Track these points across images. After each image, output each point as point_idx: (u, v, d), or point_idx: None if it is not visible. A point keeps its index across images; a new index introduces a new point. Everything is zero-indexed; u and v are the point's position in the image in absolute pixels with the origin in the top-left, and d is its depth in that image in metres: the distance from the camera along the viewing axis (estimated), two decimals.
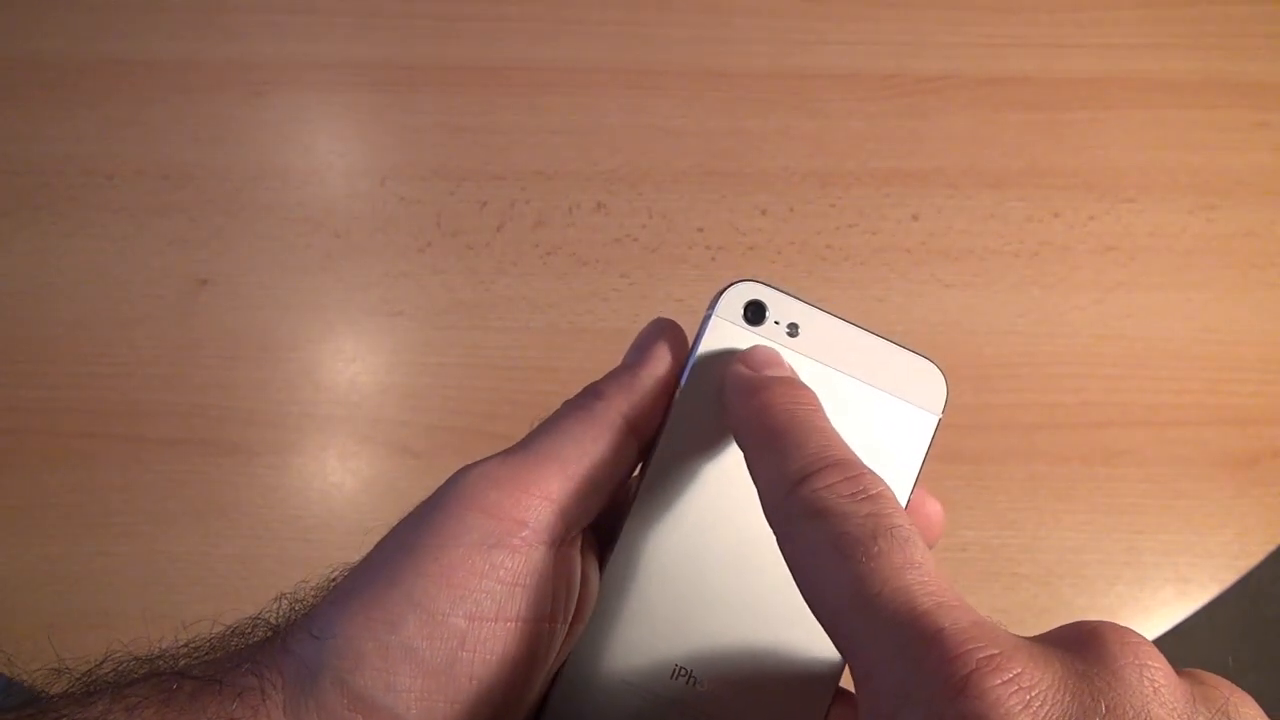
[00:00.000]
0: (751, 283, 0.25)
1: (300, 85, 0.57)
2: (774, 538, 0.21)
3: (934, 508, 0.26)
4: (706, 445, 0.25)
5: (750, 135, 0.57)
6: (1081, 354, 0.53)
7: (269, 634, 0.23)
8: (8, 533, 0.49)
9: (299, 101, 0.57)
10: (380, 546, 0.23)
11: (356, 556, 0.24)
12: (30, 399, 0.51)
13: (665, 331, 0.26)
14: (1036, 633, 0.18)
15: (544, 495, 0.23)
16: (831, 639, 0.19)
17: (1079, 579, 0.50)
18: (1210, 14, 0.60)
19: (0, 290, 0.53)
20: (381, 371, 0.52)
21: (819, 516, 0.19)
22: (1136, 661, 0.17)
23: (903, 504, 0.24)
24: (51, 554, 0.49)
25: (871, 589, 0.18)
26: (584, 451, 0.24)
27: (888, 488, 0.20)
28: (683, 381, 0.25)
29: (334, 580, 0.24)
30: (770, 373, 0.24)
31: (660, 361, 0.25)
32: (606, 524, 0.25)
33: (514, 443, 0.25)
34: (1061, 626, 0.18)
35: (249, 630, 0.24)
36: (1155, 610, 0.49)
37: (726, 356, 0.25)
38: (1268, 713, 0.17)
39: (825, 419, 0.22)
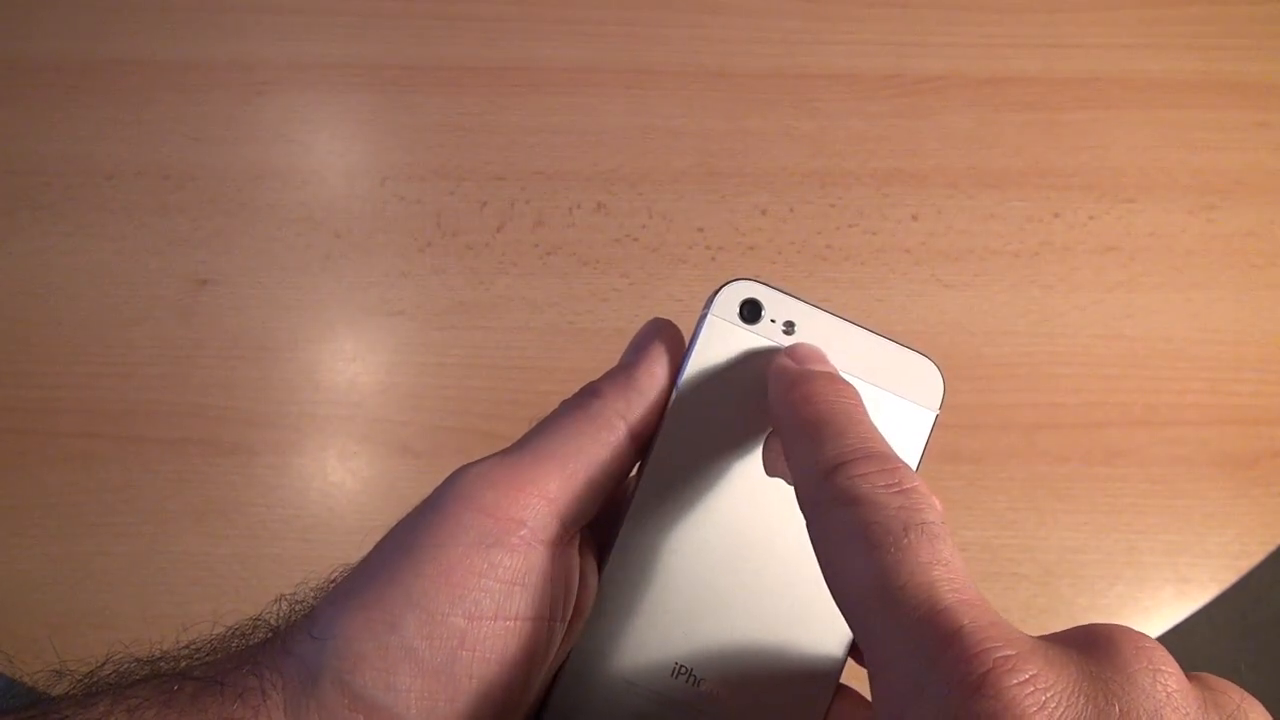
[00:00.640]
0: (747, 281, 0.25)
1: (300, 85, 0.57)
2: (774, 535, 0.21)
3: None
4: (704, 444, 0.25)
5: (750, 135, 0.57)
6: (1081, 354, 0.53)
7: (269, 635, 0.23)
8: (8, 533, 0.49)
9: (299, 101, 0.57)
10: (379, 548, 0.23)
11: (357, 556, 0.24)
12: (30, 399, 0.51)
13: (662, 331, 0.26)
14: (1036, 634, 0.18)
15: (541, 495, 0.23)
16: (850, 627, 0.19)
17: (1079, 579, 0.50)
18: (1210, 14, 0.60)
19: (0, 290, 0.53)
20: (381, 371, 0.52)
21: (851, 504, 0.20)
22: (1150, 666, 0.17)
23: None
24: (51, 554, 0.49)
25: (896, 581, 0.18)
26: (581, 451, 0.24)
27: (923, 483, 0.20)
28: (679, 381, 0.25)
29: (333, 581, 0.24)
30: (815, 367, 0.24)
31: (657, 361, 0.25)
32: (604, 523, 0.25)
33: (512, 442, 0.25)
34: (1074, 628, 0.18)
35: (249, 631, 0.24)
36: (1155, 610, 0.49)
37: (723, 355, 0.25)
38: (1272, 715, 0.17)
39: (866, 414, 0.23)
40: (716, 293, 0.26)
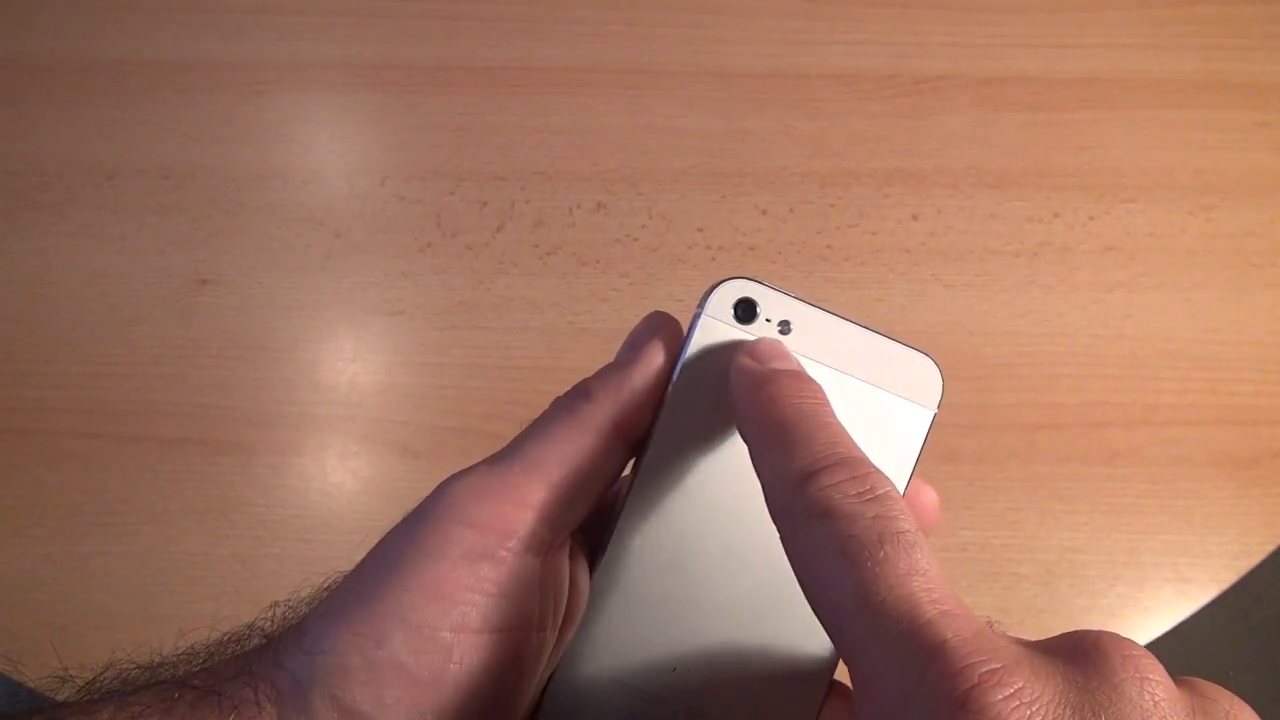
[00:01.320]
0: (742, 280, 0.25)
1: (300, 85, 0.57)
2: (766, 537, 0.21)
3: (930, 497, 0.26)
4: (697, 446, 0.25)
5: (750, 135, 0.57)
6: (1081, 354, 0.53)
7: (263, 642, 0.23)
8: (8, 533, 0.49)
9: (299, 101, 0.57)
10: (368, 559, 0.23)
11: (357, 557, 0.24)
12: (30, 399, 0.51)
13: (660, 328, 0.25)
14: (1035, 634, 0.18)
15: (529, 505, 0.23)
16: (833, 641, 0.19)
17: (1079, 579, 0.50)
18: (1210, 14, 0.60)
19: (0, 290, 0.53)
20: (381, 371, 0.52)
21: (824, 517, 0.19)
22: (1137, 675, 0.17)
23: None
24: (51, 554, 0.49)
25: (875, 595, 0.18)
26: (569, 458, 0.24)
27: (894, 487, 0.20)
28: (673, 382, 0.25)
29: (327, 589, 0.24)
30: (776, 365, 0.24)
31: (652, 361, 0.25)
32: (595, 525, 0.25)
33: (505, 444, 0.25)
34: (1062, 635, 0.18)
35: (244, 637, 0.24)
36: (1155, 611, 0.49)
37: (717, 356, 0.25)
38: (1268, 712, 0.17)
39: (832, 414, 0.22)
40: (710, 291, 0.25)
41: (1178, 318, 0.54)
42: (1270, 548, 0.50)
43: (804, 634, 0.24)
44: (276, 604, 0.24)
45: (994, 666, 0.16)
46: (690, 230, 0.55)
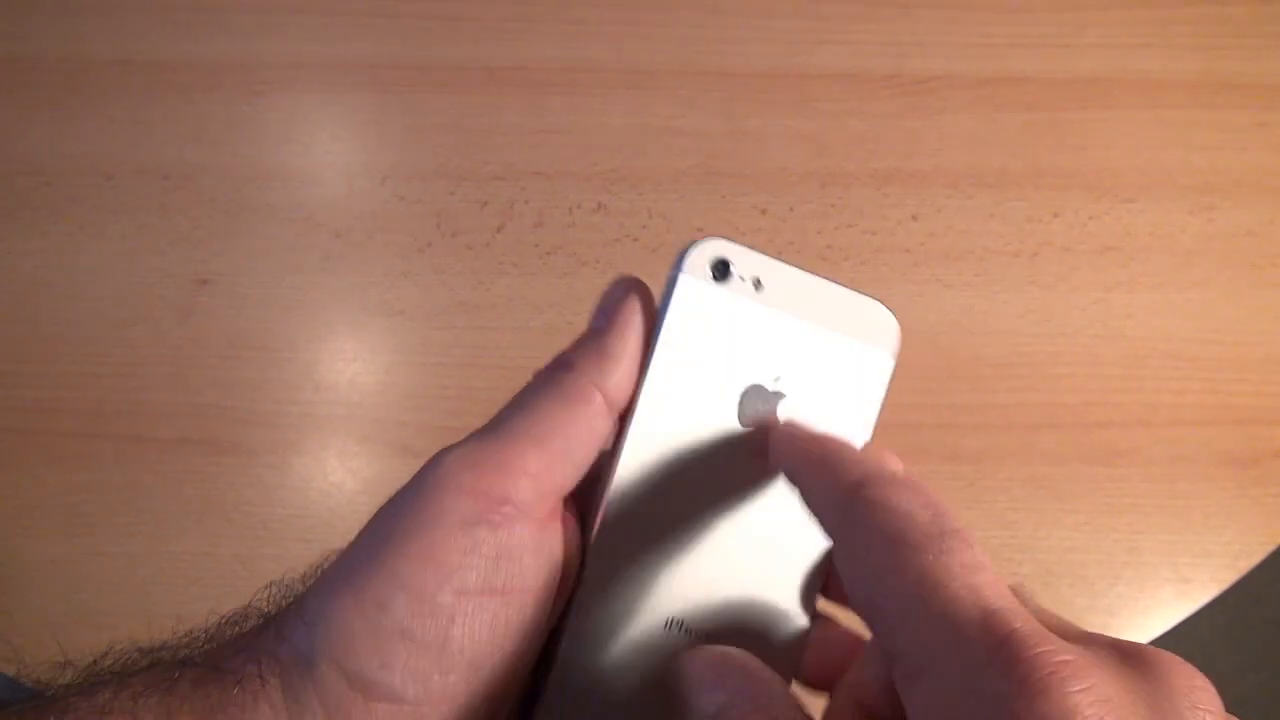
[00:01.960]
0: (717, 239, 0.26)
1: (300, 85, 0.57)
2: (753, 488, 0.24)
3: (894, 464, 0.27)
4: (683, 405, 0.26)
5: (750, 135, 0.57)
6: (1081, 354, 0.53)
7: (261, 621, 0.24)
8: (8, 533, 0.49)
9: (299, 101, 0.57)
10: (363, 534, 0.24)
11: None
12: (30, 399, 0.51)
13: (631, 291, 0.26)
14: None
15: (521, 472, 0.23)
16: (877, 630, 0.20)
17: (1079, 579, 0.50)
18: (1210, 14, 0.60)
19: (0, 290, 0.53)
20: (381, 371, 0.52)
21: (883, 513, 0.20)
22: (1195, 704, 0.17)
23: (864, 441, 0.26)
24: (51, 554, 0.49)
25: (941, 581, 0.18)
26: (558, 428, 0.24)
27: (944, 499, 0.21)
28: (655, 343, 0.25)
29: (321, 567, 0.24)
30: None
31: (630, 326, 0.25)
32: (585, 489, 0.26)
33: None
34: (1127, 642, 0.19)
35: (242, 619, 0.24)
36: (1155, 610, 0.49)
37: (697, 315, 0.26)
38: (1268, 712, 0.18)
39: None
40: (686, 252, 0.26)
41: (1178, 318, 0.54)
42: (1270, 548, 0.50)
43: (791, 576, 0.26)
44: (272, 584, 0.25)
45: (1068, 658, 0.16)
46: (690, 230, 0.55)
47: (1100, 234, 0.55)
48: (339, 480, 0.50)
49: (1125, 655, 0.18)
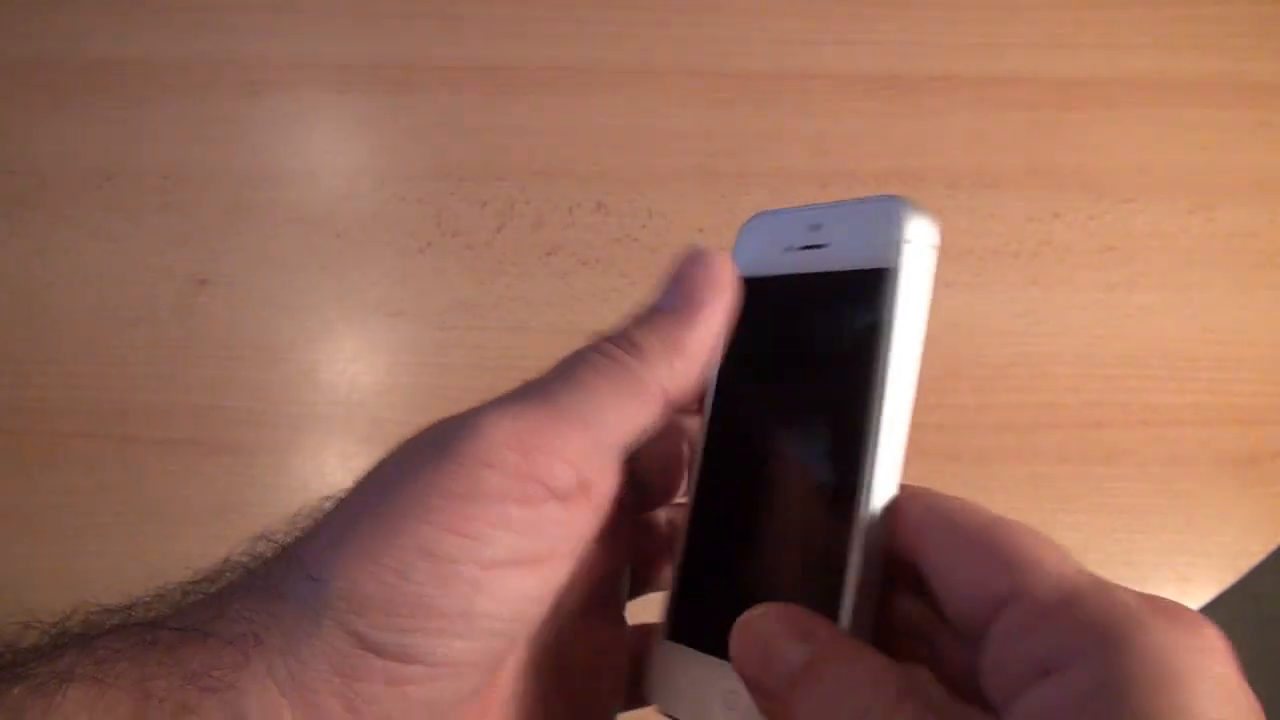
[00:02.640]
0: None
1: (300, 85, 0.57)
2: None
3: None
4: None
5: (750, 135, 0.57)
6: (1081, 354, 0.53)
7: (245, 576, 0.23)
8: (7, 533, 0.49)
9: (299, 101, 0.57)
10: (378, 483, 0.23)
11: None
12: (29, 399, 0.51)
13: (717, 276, 0.24)
14: None
15: (564, 459, 0.22)
16: (975, 626, 0.20)
17: None
18: (1210, 14, 0.60)
19: (0, 290, 0.53)
20: (381, 371, 0.52)
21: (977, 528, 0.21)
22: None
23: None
24: (51, 554, 0.49)
25: (1060, 570, 0.19)
26: (611, 421, 0.23)
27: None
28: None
29: (314, 517, 0.23)
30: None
31: (713, 319, 0.24)
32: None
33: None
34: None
35: (218, 574, 0.23)
36: None
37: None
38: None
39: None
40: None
41: (1178, 318, 0.54)
42: (1270, 547, 0.50)
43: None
44: (262, 536, 0.24)
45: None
46: (690, 230, 0.55)
47: (1100, 234, 0.55)
48: (339, 480, 0.50)
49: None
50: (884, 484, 0.23)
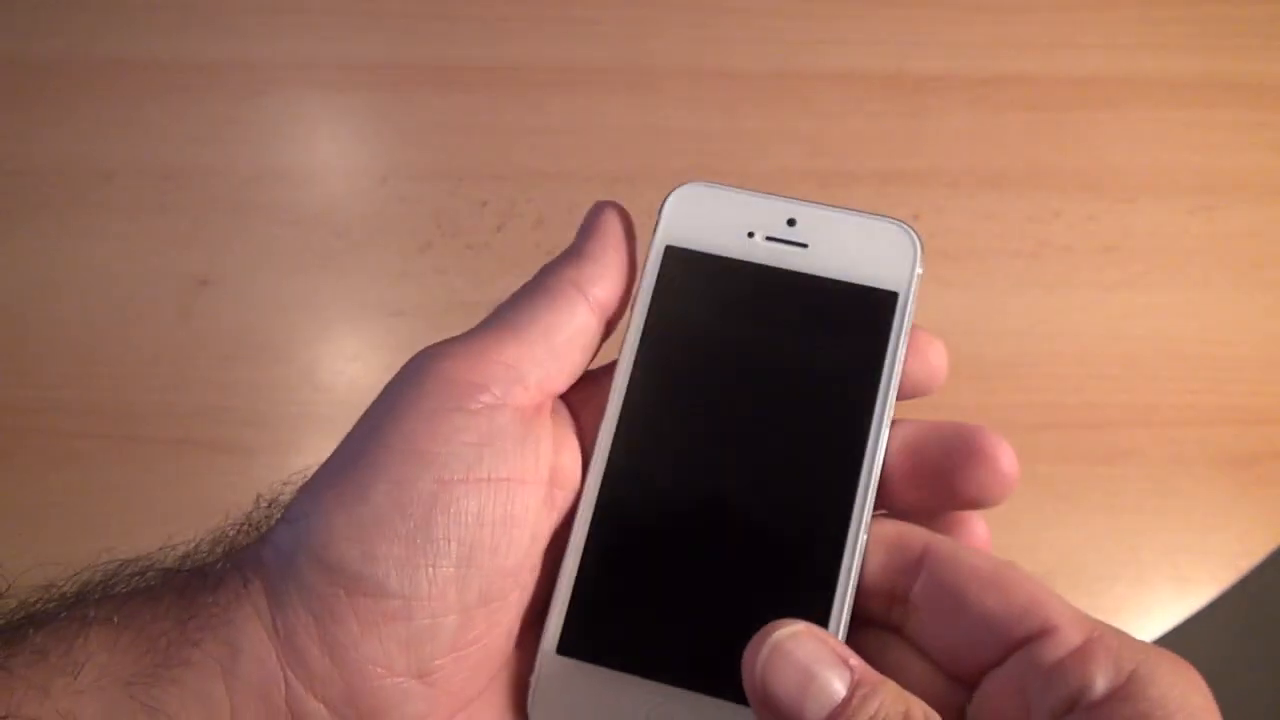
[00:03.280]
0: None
1: (300, 85, 0.57)
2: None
3: (939, 359, 0.28)
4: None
5: (750, 135, 0.57)
6: (1081, 354, 0.53)
7: (249, 529, 0.24)
8: (7, 533, 0.49)
9: (299, 101, 0.57)
10: (347, 437, 0.24)
11: None
12: (30, 399, 0.51)
13: (607, 207, 0.26)
14: None
15: (500, 361, 0.23)
16: (1014, 678, 0.21)
17: (1079, 579, 0.49)
18: (1210, 14, 0.60)
19: (0, 290, 0.53)
20: (381, 371, 0.52)
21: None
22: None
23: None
24: (51, 554, 0.48)
25: (1095, 626, 0.21)
26: (536, 319, 0.24)
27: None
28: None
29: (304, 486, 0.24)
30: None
31: (610, 234, 0.26)
32: (578, 398, 0.26)
33: None
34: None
35: (234, 535, 0.25)
36: (1155, 610, 0.49)
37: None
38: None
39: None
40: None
41: (1178, 318, 0.54)
42: (1270, 547, 0.50)
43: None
44: (261, 496, 0.25)
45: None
46: None
47: (1100, 234, 0.55)
48: None
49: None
50: (871, 500, 0.24)
